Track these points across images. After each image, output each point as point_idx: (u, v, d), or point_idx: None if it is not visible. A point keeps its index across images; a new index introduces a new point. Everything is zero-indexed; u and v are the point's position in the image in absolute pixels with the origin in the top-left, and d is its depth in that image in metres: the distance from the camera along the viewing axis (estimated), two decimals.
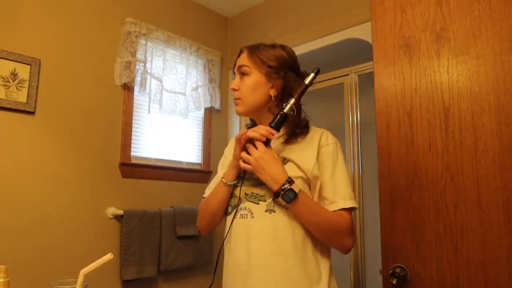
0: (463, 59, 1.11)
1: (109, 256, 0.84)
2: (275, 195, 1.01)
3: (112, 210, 2.13)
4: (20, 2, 1.92)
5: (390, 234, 1.19)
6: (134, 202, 2.25)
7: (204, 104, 2.67)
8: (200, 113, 2.73)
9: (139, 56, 2.33)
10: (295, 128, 1.11)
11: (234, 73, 1.20)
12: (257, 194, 1.07)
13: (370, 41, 1.31)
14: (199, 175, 2.61)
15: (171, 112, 2.47)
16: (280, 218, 1.04)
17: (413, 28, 1.21)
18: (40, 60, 1.95)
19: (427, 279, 1.10)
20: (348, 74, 2.24)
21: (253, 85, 1.13)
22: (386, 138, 1.22)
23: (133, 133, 2.31)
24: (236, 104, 1.17)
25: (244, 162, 1.05)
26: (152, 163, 2.40)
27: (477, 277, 1.02)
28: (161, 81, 2.40)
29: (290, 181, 1.00)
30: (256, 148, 1.03)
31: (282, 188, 0.99)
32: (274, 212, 1.04)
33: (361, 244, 2.11)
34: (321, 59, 2.46)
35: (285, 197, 0.99)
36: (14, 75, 1.86)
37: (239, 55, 1.19)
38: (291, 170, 1.05)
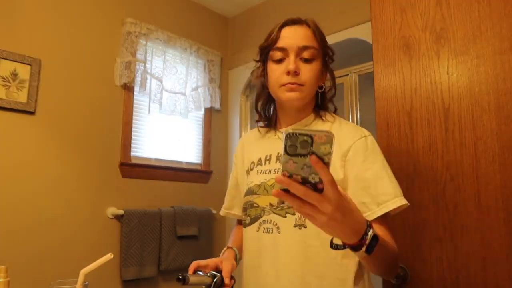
0: (463, 59, 1.11)
1: (109, 256, 0.84)
2: (354, 248, 0.69)
3: (112, 210, 2.13)
4: (20, 2, 1.92)
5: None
6: (134, 202, 2.25)
7: (204, 104, 2.67)
8: (200, 113, 2.73)
9: (139, 56, 2.33)
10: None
11: (278, 49, 0.95)
12: (283, 206, 0.91)
13: (370, 41, 1.31)
14: (199, 175, 2.61)
15: (171, 112, 2.47)
16: (312, 234, 0.87)
17: (413, 28, 1.21)
18: (40, 60, 1.95)
19: (427, 279, 1.10)
20: (348, 74, 2.25)
21: (319, 73, 0.96)
22: (386, 138, 1.22)
23: (133, 133, 2.31)
24: (294, 90, 0.93)
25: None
26: (152, 163, 2.40)
27: (477, 277, 1.02)
28: (161, 81, 2.40)
29: (369, 224, 0.70)
30: (327, 194, 0.58)
31: (363, 237, 0.68)
32: (305, 227, 0.88)
33: None
34: None
35: (370, 248, 0.69)
36: (14, 75, 1.86)
37: (285, 25, 0.98)
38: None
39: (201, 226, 2.43)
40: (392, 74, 1.24)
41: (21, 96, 1.87)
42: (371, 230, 0.69)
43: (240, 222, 1.15)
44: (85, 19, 2.16)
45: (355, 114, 2.21)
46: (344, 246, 0.71)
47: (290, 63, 0.93)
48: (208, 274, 0.90)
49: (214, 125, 2.79)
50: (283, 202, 0.62)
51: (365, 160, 0.90)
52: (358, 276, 0.91)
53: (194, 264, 0.92)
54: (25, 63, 1.89)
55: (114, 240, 2.13)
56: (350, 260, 0.89)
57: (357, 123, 2.20)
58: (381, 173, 0.89)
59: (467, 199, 1.05)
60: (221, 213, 1.19)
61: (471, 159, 1.06)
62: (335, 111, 1.05)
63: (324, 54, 0.98)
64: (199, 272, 0.92)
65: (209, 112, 2.76)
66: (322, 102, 1.02)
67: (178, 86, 2.52)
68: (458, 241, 1.06)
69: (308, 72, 0.94)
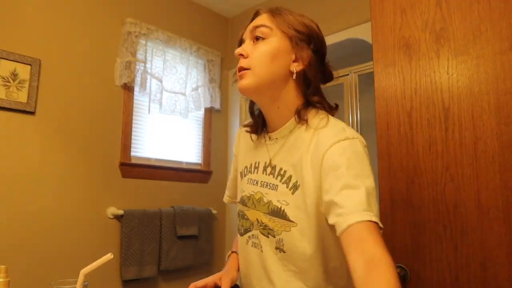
0: (463, 59, 1.11)
1: (109, 256, 0.83)
2: None
3: (112, 210, 2.13)
4: (20, 2, 1.92)
5: (390, 234, 1.19)
6: (134, 202, 2.25)
7: (204, 104, 2.67)
8: (200, 113, 2.73)
9: (139, 56, 2.33)
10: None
11: (241, 41, 0.89)
12: (266, 226, 0.86)
13: (370, 41, 1.31)
14: (199, 175, 2.61)
15: (171, 112, 2.47)
16: (291, 260, 0.83)
17: (413, 28, 1.21)
18: (40, 60, 1.95)
19: (427, 279, 1.10)
20: (348, 74, 2.24)
21: (273, 51, 0.82)
22: (386, 138, 1.22)
23: (133, 133, 2.31)
24: (241, 77, 0.84)
25: None
26: (152, 163, 2.40)
27: (477, 277, 1.02)
28: (161, 81, 2.40)
29: None
30: None
31: None
32: (284, 252, 0.83)
33: None
34: None
35: None
36: (14, 75, 1.86)
37: (253, 18, 0.89)
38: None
39: (201, 226, 2.43)
40: (392, 74, 1.24)
41: (21, 96, 1.87)
42: None
43: None
44: (85, 19, 2.15)
45: (355, 114, 2.21)
46: None
47: (241, 47, 0.86)
48: None
49: (214, 125, 2.79)
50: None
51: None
52: None
53: (192, 287, 0.86)
54: (25, 63, 1.89)
55: (114, 240, 2.13)
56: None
57: (357, 123, 2.20)
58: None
59: (467, 199, 1.06)
60: (225, 200, 1.11)
61: (471, 159, 1.06)
62: (332, 109, 0.88)
63: (286, 34, 0.84)
64: None
65: (209, 112, 2.76)
66: (308, 97, 0.87)
67: (178, 86, 2.52)
68: (458, 241, 1.06)
69: (254, 51, 0.83)
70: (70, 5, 2.10)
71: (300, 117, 0.85)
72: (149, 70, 2.35)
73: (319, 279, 0.81)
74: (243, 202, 0.93)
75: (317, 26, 0.89)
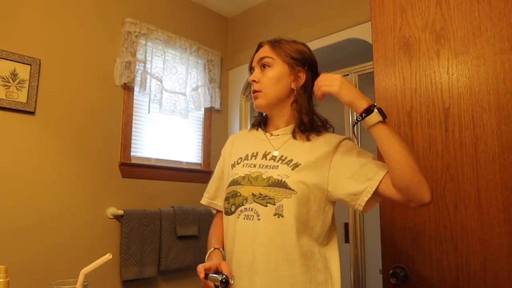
0: (463, 59, 1.11)
1: (108, 257, 0.84)
2: (367, 111, 0.90)
3: (112, 210, 2.13)
4: (20, 2, 1.92)
5: (390, 234, 1.19)
6: (134, 202, 2.25)
7: (204, 104, 2.67)
8: (200, 113, 2.73)
9: (139, 56, 2.33)
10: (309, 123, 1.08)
11: (251, 68, 1.15)
12: (265, 196, 0.99)
13: (370, 41, 1.31)
14: (199, 175, 2.61)
15: (171, 112, 2.47)
16: (289, 223, 0.97)
17: (413, 28, 1.21)
18: (40, 60, 1.95)
19: (427, 279, 1.10)
20: (348, 74, 2.24)
21: (277, 76, 1.08)
22: None
23: (133, 133, 2.31)
24: (256, 98, 1.10)
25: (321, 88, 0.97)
26: (152, 163, 2.40)
27: (477, 277, 1.02)
28: (161, 81, 2.40)
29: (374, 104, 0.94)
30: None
31: (374, 105, 0.91)
32: (283, 216, 0.97)
33: (361, 244, 2.11)
34: (321, 59, 2.44)
35: (382, 112, 0.89)
36: (14, 75, 1.86)
37: (257, 50, 1.15)
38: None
39: (201, 226, 2.43)
40: (392, 74, 1.24)
41: (21, 96, 1.87)
42: (376, 105, 0.90)
43: (219, 212, 1.21)
44: (85, 19, 2.15)
45: (355, 114, 2.21)
46: (361, 116, 0.91)
47: (253, 74, 1.12)
48: (218, 275, 0.92)
49: (214, 125, 2.79)
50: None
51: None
52: (325, 267, 1.01)
53: (201, 268, 0.94)
54: (25, 63, 1.89)
55: (114, 240, 2.13)
56: (318, 249, 1.01)
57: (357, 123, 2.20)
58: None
59: (467, 199, 1.06)
60: (203, 201, 1.23)
61: (471, 159, 1.06)
62: (322, 124, 1.11)
63: (285, 61, 1.10)
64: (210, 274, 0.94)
65: (209, 112, 2.76)
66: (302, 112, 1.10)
67: (178, 86, 2.52)
68: (458, 241, 1.06)
69: (263, 77, 1.09)
70: (70, 5, 2.10)
71: (300, 128, 1.09)
72: (149, 70, 2.35)
73: (309, 238, 1.00)
74: (235, 182, 1.07)
75: (308, 48, 1.14)
